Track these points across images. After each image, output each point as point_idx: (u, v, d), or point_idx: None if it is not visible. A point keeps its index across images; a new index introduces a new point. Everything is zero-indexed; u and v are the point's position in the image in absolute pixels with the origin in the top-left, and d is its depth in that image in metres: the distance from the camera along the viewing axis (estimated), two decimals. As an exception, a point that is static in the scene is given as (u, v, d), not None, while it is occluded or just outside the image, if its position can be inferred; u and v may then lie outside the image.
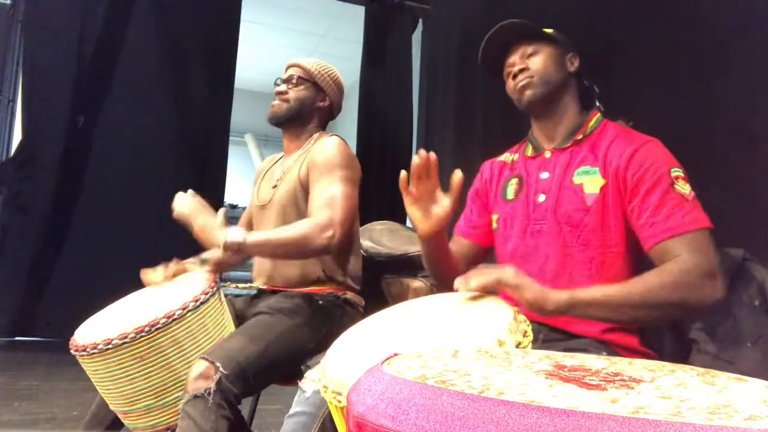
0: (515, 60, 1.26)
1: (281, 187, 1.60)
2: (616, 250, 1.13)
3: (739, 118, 1.92)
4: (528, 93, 1.24)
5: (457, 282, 0.99)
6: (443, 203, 1.14)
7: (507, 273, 0.99)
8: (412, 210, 1.17)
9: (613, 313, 1.02)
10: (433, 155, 1.12)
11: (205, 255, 1.52)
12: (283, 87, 1.65)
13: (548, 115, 1.27)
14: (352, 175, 1.52)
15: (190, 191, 1.45)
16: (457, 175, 1.11)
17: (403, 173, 1.13)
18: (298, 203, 1.54)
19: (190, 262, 1.53)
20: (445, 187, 1.14)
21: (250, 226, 1.72)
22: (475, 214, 1.41)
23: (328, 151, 1.52)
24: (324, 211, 1.41)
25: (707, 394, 0.46)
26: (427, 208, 1.15)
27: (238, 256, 1.51)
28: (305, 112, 1.65)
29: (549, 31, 1.29)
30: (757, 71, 1.86)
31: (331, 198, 1.43)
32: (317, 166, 1.51)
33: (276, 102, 1.65)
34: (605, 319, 1.06)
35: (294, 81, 1.64)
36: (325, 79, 1.66)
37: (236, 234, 1.33)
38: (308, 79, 1.65)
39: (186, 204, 1.41)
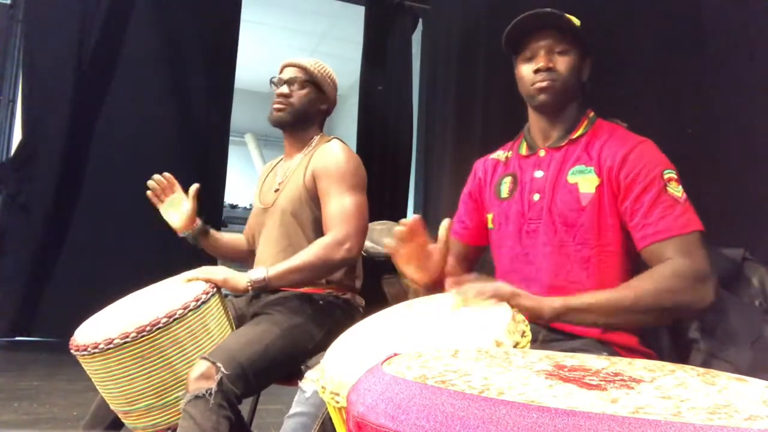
0: (542, 51, 1.20)
1: (284, 191, 1.60)
2: (611, 249, 1.14)
3: (739, 118, 1.92)
4: (545, 97, 1.20)
5: (452, 293, 1.00)
6: (435, 255, 1.16)
7: (502, 287, 1.00)
8: (405, 269, 1.20)
9: (607, 318, 1.03)
10: (416, 218, 1.14)
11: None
12: (285, 89, 1.61)
13: (551, 116, 1.25)
14: (360, 181, 1.54)
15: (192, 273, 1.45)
16: (444, 225, 1.13)
17: (388, 242, 1.16)
18: (302, 208, 1.55)
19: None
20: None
21: (252, 230, 1.72)
22: (467, 215, 1.41)
23: (336, 159, 1.53)
24: (341, 227, 1.44)
25: (707, 394, 0.46)
26: (419, 264, 1.17)
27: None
28: (309, 115, 1.64)
29: (577, 23, 1.23)
30: (758, 70, 1.86)
31: (345, 211, 1.47)
32: (326, 176, 1.52)
33: (278, 104, 1.61)
34: (600, 325, 1.07)
35: (297, 83, 1.62)
36: (326, 80, 1.66)
37: (259, 272, 1.40)
38: (310, 81, 1.63)
39: (202, 271, 1.43)
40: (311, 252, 1.43)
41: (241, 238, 1.81)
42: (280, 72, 1.67)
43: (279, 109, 1.61)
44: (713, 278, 1.02)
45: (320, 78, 1.64)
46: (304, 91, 1.62)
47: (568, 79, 1.21)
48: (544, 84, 1.20)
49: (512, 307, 0.94)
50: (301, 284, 1.49)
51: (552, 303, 1.01)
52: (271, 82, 1.66)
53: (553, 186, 1.20)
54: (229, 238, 1.81)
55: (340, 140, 1.62)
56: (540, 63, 1.20)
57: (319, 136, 1.66)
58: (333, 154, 1.55)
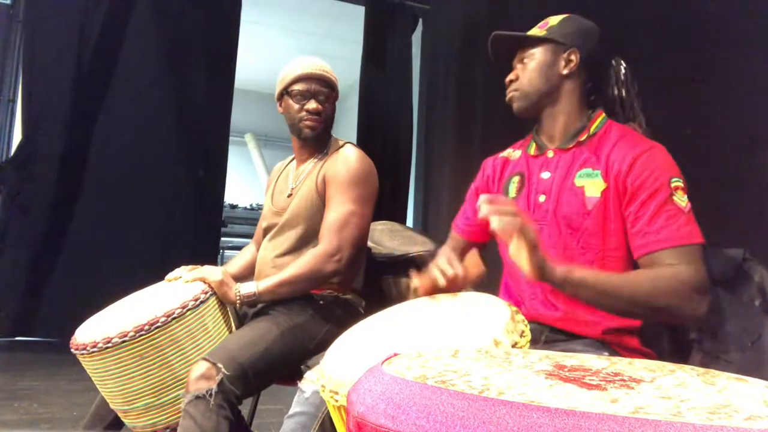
0: (514, 66, 1.31)
1: (297, 195, 1.59)
2: (615, 254, 1.13)
3: (739, 118, 1.92)
4: (514, 106, 1.30)
5: (482, 200, 0.99)
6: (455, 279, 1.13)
7: (530, 229, 0.97)
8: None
9: (599, 298, 1.03)
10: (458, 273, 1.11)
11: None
12: (314, 104, 1.56)
13: (543, 118, 1.27)
14: (367, 192, 1.53)
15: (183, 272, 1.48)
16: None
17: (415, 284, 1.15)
18: (315, 213, 1.54)
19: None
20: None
21: (265, 232, 1.69)
22: (472, 213, 1.40)
23: (348, 168, 1.53)
24: (333, 238, 1.45)
25: (707, 394, 0.46)
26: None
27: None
28: (330, 126, 1.65)
29: (542, 33, 1.25)
30: (758, 71, 1.86)
31: (340, 221, 1.47)
32: (335, 183, 1.52)
33: (312, 121, 1.57)
34: (590, 302, 1.06)
35: (324, 96, 1.58)
36: (337, 85, 1.64)
37: (249, 287, 1.41)
38: (333, 91, 1.62)
39: (200, 271, 1.45)
40: (301, 264, 1.44)
41: (254, 254, 1.75)
42: (298, 81, 1.58)
43: (313, 128, 1.58)
44: (710, 293, 1.03)
45: (336, 86, 1.64)
46: (330, 103, 1.61)
47: (528, 86, 1.26)
48: (508, 96, 1.30)
49: (512, 302, 0.93)
50: (294, 293, 1.47)
51: (554, 269, 1.00)
52: (287, 92, 1.59)
53: (559, 188, 1.19)
54: (246, 265, 1.76)
55: (353, 144, 1.61)
56: (507, 79, 1.31)
57: (331, 139, 1.65)
58: (347, 161, 1.54)
